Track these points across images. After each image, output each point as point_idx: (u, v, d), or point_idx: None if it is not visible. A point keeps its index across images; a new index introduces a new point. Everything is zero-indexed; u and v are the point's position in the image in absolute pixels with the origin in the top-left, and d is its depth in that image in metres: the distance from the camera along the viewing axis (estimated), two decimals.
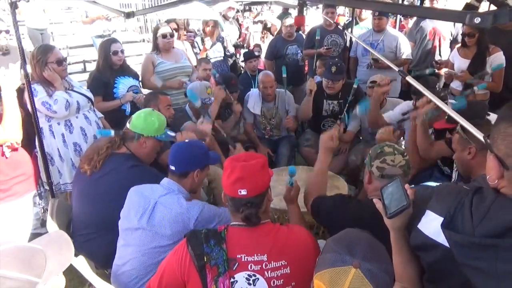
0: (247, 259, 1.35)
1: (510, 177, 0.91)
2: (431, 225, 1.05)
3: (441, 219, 1.02)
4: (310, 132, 3.82)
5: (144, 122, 2.16)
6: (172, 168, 1.83)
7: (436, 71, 3.82)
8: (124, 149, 2.16)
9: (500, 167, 0.92)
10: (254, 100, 3.70)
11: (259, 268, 1.34)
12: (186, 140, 1.93)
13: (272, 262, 1.35)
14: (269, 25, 6.27)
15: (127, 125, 2.19)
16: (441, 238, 1.01)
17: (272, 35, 5.97)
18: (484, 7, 3.69)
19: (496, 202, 0.92)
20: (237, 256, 1.35)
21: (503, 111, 0.95)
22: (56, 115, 2.55)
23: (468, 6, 2.12)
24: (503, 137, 0.91)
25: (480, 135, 1.03)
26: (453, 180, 2.21)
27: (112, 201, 1.90)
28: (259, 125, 3.81)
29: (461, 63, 3.46)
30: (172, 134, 2.34)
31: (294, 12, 6.88)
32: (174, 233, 1.67)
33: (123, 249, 1.79)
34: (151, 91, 3.49)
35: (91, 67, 6.00)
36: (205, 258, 1.34)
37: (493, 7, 3.22)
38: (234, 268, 1.33)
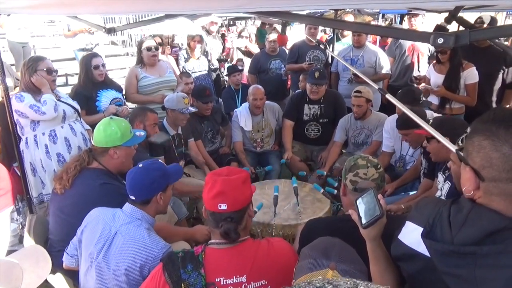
0: (226, 282, 1.33)
1: (486, 187, 0.94)
2: (411, 235, 1.08)
3: (420, 229, 1.04)
4: (294, 141, 3.85)
5: (105, 134, 2.04)
6: (132, 197, 1.72)
7: (415, 85, 3.97)
8: (96, 164, 2.07)
9: (476, 179, 0.95)
10: (244, 117, 3.73)
11: None
12: (140, 165, 1.77)
13: (252, 283, 1.34)
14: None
15: (92, 141, 2.09)
16: (421, 248, 1.03)
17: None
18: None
19: (473, 211, 0.95)
20: (216, 280, 1.33)
21: (474, 124, 0.98)
22: (45, 117, 2.54)
23: (438, 27, 2.22)
24: (478, 149, 0.94)
25: (453, 148, 1.07)
26: (440, 185, 2.20)
27: (83, 217, 1.81)
28: (247, 141, 3.83)
29: (436, 79, 3.59)
30: (142, 133, 2.21)
31: (278, 27, 6.99)
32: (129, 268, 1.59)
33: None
34: (139, 105, 3.47)
35: (74, 80, 5.94)
36: (182, 285, 1.31)
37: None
38: None
